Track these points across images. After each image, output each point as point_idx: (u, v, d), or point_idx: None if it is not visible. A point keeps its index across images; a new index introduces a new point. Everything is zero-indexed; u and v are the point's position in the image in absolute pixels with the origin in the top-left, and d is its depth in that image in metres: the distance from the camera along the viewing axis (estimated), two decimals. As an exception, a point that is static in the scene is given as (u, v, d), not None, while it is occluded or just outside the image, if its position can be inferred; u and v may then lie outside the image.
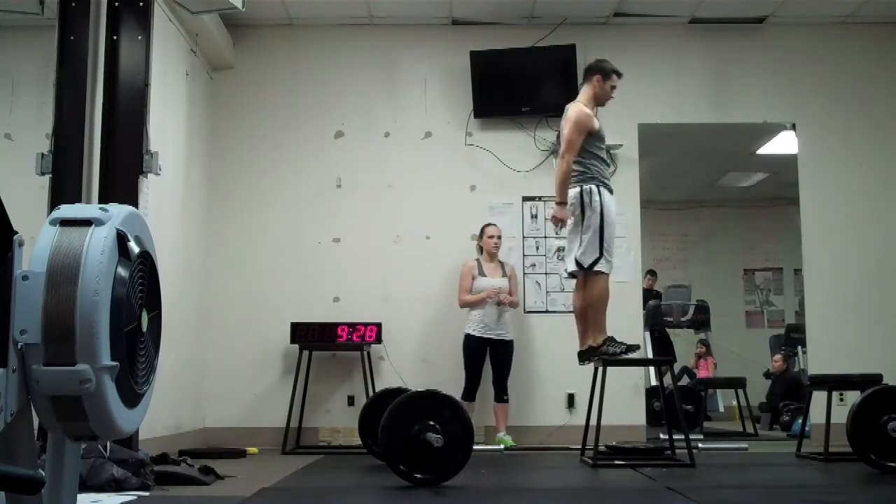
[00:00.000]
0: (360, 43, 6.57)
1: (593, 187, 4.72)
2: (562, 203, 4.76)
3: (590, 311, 4.78)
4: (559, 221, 4.81)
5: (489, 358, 5.96)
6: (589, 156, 4.80)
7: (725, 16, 6.47)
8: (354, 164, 6.46)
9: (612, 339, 4.76)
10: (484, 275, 6.01)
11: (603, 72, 4.94)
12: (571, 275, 4.92)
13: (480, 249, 6.15)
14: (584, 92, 4.97)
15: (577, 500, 3.72)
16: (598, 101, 4.96)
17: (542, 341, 6.25)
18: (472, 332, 5.92)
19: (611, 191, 4.82)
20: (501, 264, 6.12)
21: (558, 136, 6.31)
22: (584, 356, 4.88)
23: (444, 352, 6.17)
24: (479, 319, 5.92)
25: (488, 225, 6.12)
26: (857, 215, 6.43)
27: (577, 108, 4.85)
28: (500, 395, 5.94)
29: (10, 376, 1.46)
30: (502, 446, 5.77)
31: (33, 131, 4.48)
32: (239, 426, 6.11)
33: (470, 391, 5.87)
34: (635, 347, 4.85)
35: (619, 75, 4.98)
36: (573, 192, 4.77)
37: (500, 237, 6.09)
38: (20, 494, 1.46)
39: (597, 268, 4.68)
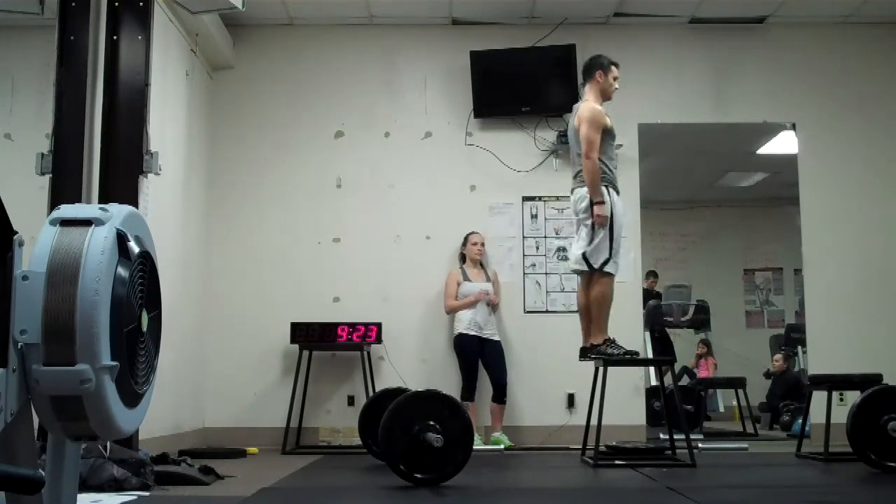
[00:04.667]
0: (360, 43, 6.57)
1: (602, 189, 4.71)
2: (600, 202, 4.68)
3: (593, 310, 4.79)
4: (603, 220, 4.69)
5: (483, 358, 5.99)
6: (599, 154, 4.77)
7: (725, 16, 6.47)
8: (354, 164, 6.46)
9: (612, 341, 4.76)
10: (469, 280, 6.07)
11: (602, 66, 4.94)
12: (576, 272, 4.92)
13: (463, 257, 6.21)
14: (590, 90, 4.95)
15: (577, 500, 3.72)
16: (605, 95, 4.95)
17: (542, 341, 6.25)
18: (465, 332, 5.96)
19: (618, 192, 4.82)
20: (484, 270, 6.17)
21: (559, 136, 6.33)
22: (584, 353, 4.90)
23: (445, 352, 6.18)
24: (471, 319, 5.97)
25: (471, 233, 6.20)
26: (857, 215, 6.43)
27: (589, 106, 4.83)
28: (501, 396, 5.95)
29: (10, 376, 1.46)
30: (502, 446, 5.77)
31: (33, 131, 4.48)
32: (239, 426, 6.11)
33: (469, 391, 5.89)
34: (634, 353, 4.84)
35: (617, 65, 4.99)
36: (581, 191, 4.76)
37: (483, 244, 6.17)
38: (20, 494, 1.47)
39: (606, 269, 4.71)
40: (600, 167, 4.73)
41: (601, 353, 4.74)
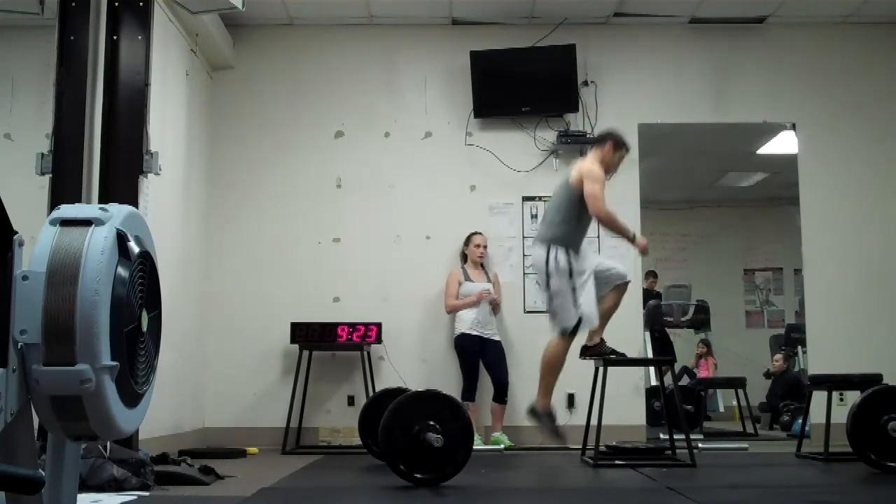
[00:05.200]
0: (360, 43, 6.56)
1: (560, 251, 4.68)
2: (633, 237, 4.80)
3: (541, 371, 4.84)
4: (645, 248, 4.88)
5: (484, 358, 5.99)
6: (572, 216, 4.72)
7: (725, 16, 6.47)
8: (354, 164, 6.46)
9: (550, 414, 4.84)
10: (470, 280, 6.07)
11: (616, 142, 4.87)
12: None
13: (465, 257, 6.19)
14: (594, 153, 4.88)
15: (577, 500, 3.72)
16: (605, 166, 4.84)
17: (542, 341, 6.17)
18: (468, 331, 5.95)
19: (576, 251, 4.75)
20: (485, 271, 6.17)
21: (560, 136, 6.34)
22: (583, 352, 4.93)
23: (445, 352, 6.18)
24: (474, 319, 5.97)
25: (475, 234, 6.17)
26: (857, 215, 6.43)
27: (590, 165, 4.78)
28: (501, 396, 5.95)
29: (10, 376, 1.46)
30: (502, 446, 5.77)
31: (33, 131, 4.48)
32: (239, 426, 6.11)
33: (470, 391, 5.89)
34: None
35: (629, 151, 4.98)
36: (541, 250, 4.74)
37: (485, 246, 6.15)
38: (20, 494, 1.47)
39: (582, 327, 4.69)
40: (566, 228, 4.71)
41: (602, 352, 4.78)
